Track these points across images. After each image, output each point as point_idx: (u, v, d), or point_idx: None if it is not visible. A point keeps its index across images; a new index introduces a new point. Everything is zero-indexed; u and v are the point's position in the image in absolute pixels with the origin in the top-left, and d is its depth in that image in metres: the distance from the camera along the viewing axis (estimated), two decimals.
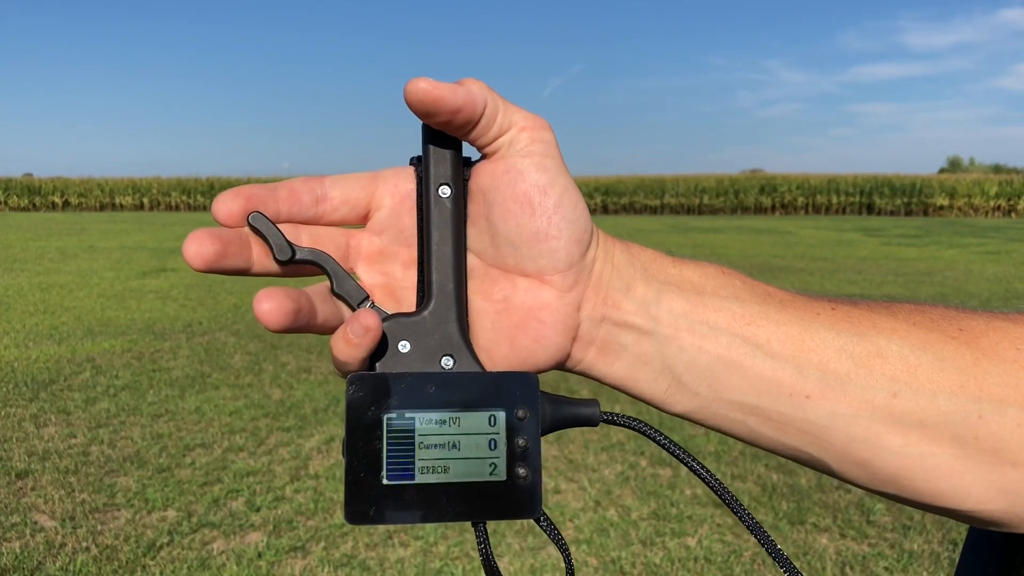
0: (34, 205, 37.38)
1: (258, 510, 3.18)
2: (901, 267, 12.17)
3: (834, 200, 34.47)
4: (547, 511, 3.16)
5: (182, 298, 8.64)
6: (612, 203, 36.48)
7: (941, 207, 33.17)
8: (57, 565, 2.70)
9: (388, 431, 0.40)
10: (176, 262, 12.27)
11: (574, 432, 4.11)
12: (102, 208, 37.01)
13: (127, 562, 2.73)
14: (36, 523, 3.03)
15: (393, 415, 0.40)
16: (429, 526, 3.00)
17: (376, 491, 0.39)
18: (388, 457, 0.40)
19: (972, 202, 32.99)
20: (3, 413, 4.36)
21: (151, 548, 2.83)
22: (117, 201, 37.31)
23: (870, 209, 34.12)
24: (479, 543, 0.43)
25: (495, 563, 0.42)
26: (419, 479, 0.40)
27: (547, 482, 3.49)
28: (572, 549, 2.87)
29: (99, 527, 3.00)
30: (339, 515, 3.11)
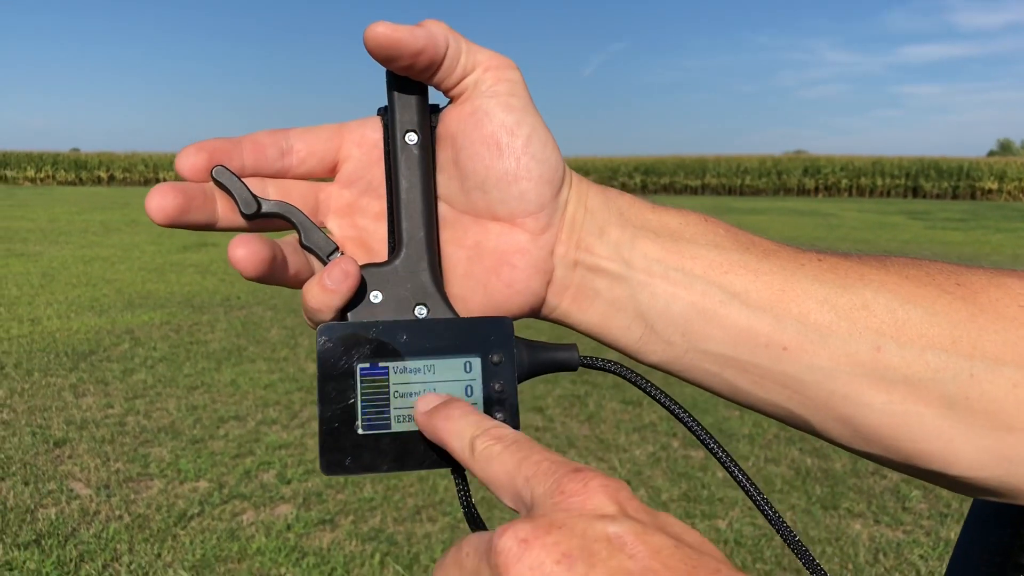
0: (80, 179, 37.99)
1: (289, 483, 3.20)
2: (946, 251, 11.94)
3: (879, 182, 33.89)
4: None
5: (221, 272, 8.73)
6: (652, 183, 36.19)
7: (990, 191, 32.46)
8: (91, 532, 2.74)
9: (362, 381, 0.39)
10: (216, 237, 12.40)
11: (605, 412, 4.09)
12: (146, 183, 37.50)
13: (158, 531, 2.76)
14: (72, 490, 3.08)
15: (366, 365, 0.40)
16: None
17: (352, 441, 0.39)
18: (363, 407, 0.39)
19: (1022, 186, 32.25)
20: (44, 382, 4.44)
21: (182, 518, 2.86)
22: (160, 176, 37.76)
23: (916, 192, 33.51)
24: (459, 492, 0.42)
25: (476, 511, 0.41)
26: (395, 428, 0.40)
27: (577, 461, 3.47)
28: None
29: (132, 496, 3.04)
30: (368, 489, 3.12)
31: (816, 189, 34.61)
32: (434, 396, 0.39)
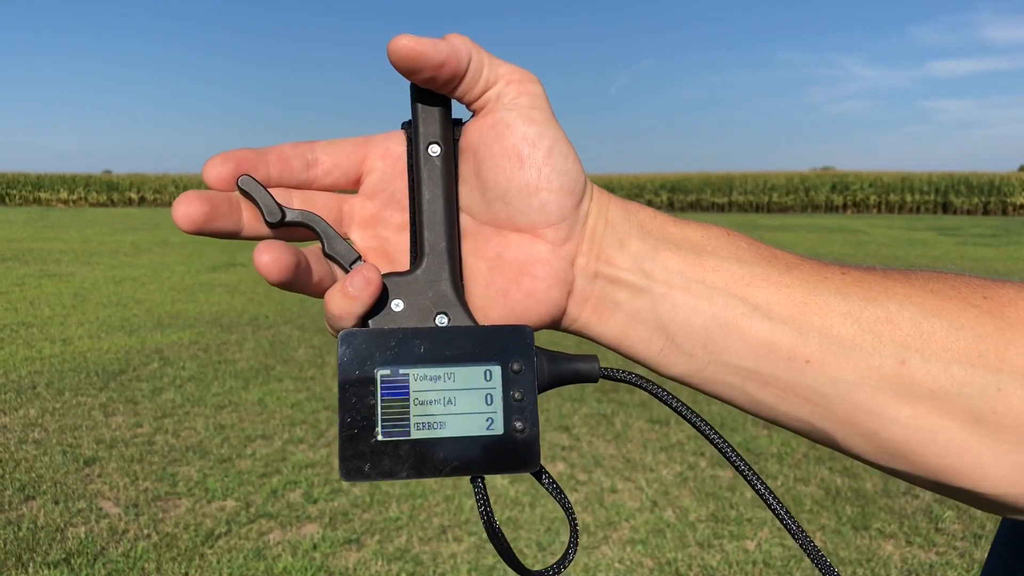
0: (112, 201, 38.57)
1: (315, 502, 3.21)
2: (977, 267, 11.77)
3: (908, 198, 33.58)
4: (603, 510, 3.12)
5: (249, 292, 8.80)
6: (679, 200, 36.09)
7: (1022, 206, 32.05)
8: (119, 551, 2.76)
9: (382, 387, 0.40)
10: (245, 257, 12.51)
11: (632, 431, 4.06)
12: None
13: (186, 550, 2.78)
14: (101, 509, 3.10)
15: (387, 371, 0.40)
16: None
17: (371, 448, 0.39)
18: (383, 413, 0.39)
19: None
20: (75, 402, 4.49)
21: (209, 537, 2.88)
22: None
23: (946, 208, 33.16)
24: (478, 500, 0.42)
25: (496, 521, 0.41)
26: (415, 435, 0.40)
27: (603, 481, 3.45)
28: (627, 550, 2.83)
29: (160, 515, 3.06)
30: (395, 508, 3.12)
31: (844, 206, 34.36)
32: None
